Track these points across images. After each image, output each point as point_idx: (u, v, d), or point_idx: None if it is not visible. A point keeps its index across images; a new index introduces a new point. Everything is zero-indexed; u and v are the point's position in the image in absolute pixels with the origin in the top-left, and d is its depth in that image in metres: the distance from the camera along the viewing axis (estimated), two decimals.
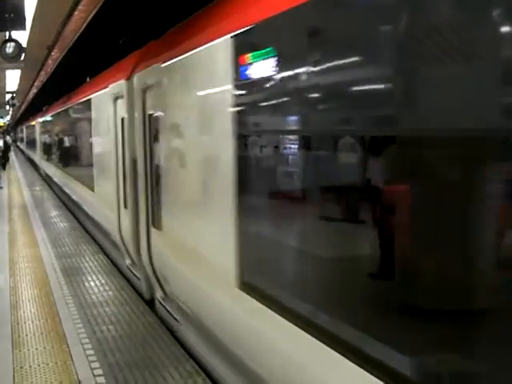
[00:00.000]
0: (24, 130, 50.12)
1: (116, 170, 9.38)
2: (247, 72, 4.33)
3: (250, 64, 4.27)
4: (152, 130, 7.31)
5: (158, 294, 7.63)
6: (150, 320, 7.36)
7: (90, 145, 12.69)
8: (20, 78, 25.97)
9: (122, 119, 8.81)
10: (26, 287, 9.04)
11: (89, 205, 13.18)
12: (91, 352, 6.38)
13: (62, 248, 11.97)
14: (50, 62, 18.83)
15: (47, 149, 25.12)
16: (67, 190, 17.48)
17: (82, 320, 7.43)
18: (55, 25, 13.11)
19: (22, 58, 11.95)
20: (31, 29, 13.29)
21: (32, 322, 7.42)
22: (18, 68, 21.57)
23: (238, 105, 4.53)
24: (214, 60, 5.04)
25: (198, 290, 5.85)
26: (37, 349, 6.51)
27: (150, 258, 7.63)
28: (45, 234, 13.55)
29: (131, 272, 9.12)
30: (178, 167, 6.32)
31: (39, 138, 28.78)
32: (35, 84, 27.76)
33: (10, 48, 11.26)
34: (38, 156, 30.42)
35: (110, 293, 8.65)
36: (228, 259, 4.76)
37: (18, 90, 31.85)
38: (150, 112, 7.32)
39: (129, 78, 8.40)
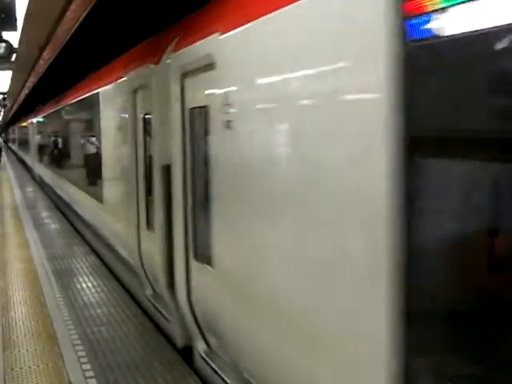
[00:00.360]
0: (16, 130, 49.94)
1: (135, 178, 7.49)
2: None
3: None
4: (197, 128, 5.54)
5: (200, 346, 5.81)
6: (141, 321, 7.33)
7: (97, 147, 10.95)
8: (11, 78, 25.87)
9: (145, 115, 7.20)
10: (17, 289, 8.99)
11: (94, 217, 11.32)
12: (83, 354, 6.35)
13: (53, 249, 11.93)
14: (41, 62, 18.75)
15: (43, 151, 23.54)
16: (66, 198, 15.82)
17: (73, 321, 7.39)
18: (47, 25, 13.05)
19: (13, 58, 11.89)
20: (22, 29, 13.23)
21: (23, 323, 7.37)
22: (9, 69, 21.48)
23: None
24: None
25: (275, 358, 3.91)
26: (28, 350, 6.47)
27: (190, 298, 5.77)
28: (36, 235, 13.50)
29: (154, 307, 7.26)
30: (244, 178, 4.29)
31: (33, 139, 27.66)
32: (27, 85, 27.67)
33: (0, 49, 11.20)
34: (31, 158, 29.06)
35: (102, 294, 8.61)
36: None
37: (9, 91, 31.75)
38: (196, 104, 5.45)
39: (158, 62, 6.47)
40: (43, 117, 24.00)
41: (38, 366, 6.06)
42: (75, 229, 14.24)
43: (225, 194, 4.66)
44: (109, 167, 9.84)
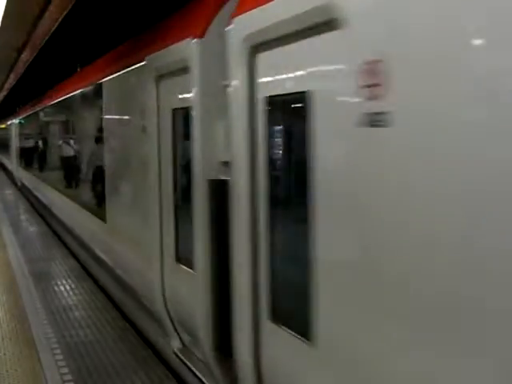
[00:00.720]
0: None
1: (158, 193, 5.76)
2: None
3: None
4: (278, 123, 3.80)
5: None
6: (120, 324, 7.31)
7: (98, 153, 8.79)
8: None
9: (176, 109, 5.44)
10: None
11: (94, 239, 9.23)
12: (60, 357, 6.32)
13: (31, 252, 11.86)
14: (20, 63, 18.63)
15: (28, 154, 21.37)
16: (56, 212, 13.75)
17: (51, 325, 7.36)
18: (25, 26, 12.98)
19: None
20: (0, 30, 13.14)
21: (0, 326, 7.32)
22: None
23: None
24: None
25: None
26: (5, 354, 6.42)
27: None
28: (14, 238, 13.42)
29: (190, 370, 5.30)
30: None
31: (16, 141, 25.55)
32: (5, 87, 27.46)
33: None
34: (14, 164, 26.68)
35: (81, 297, 8.58)
36: None
37: None
38: (277, 91, 3.64)
39: (203, 35, 4.71)
40: (26, 117, 22.61)
41: (16, 370, 6.01)
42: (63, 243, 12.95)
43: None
44: (115, 178, 7.90)
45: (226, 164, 4.33)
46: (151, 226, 5.85)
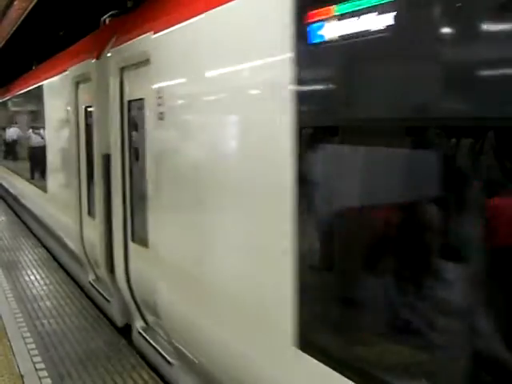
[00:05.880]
0: None
1: (77, 168, 7.95)
2: None
3: None
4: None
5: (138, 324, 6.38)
6: (92, 313, 7.37)
7: (42, 139, 11.16)
8: None
9: (87, 107, 7.68)
10: None
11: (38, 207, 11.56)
12: (33, 346, 6.36)
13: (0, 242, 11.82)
14: None
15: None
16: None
17: (22, 314, 7.38)
18: None
19: None
20: None
21: None
22: None
23: None
24: None
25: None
26: None
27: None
28: None
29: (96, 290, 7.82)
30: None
31: None
32: None
33: None
34: None
35: (51, 286, 8.61)
36: None
37: None
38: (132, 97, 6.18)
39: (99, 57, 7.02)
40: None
41: None
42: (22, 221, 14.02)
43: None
44: (52, 157, 10.04)
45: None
46: (75, 192, 7.97)
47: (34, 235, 12.31)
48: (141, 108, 5.57)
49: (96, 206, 7.00)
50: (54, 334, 6.74)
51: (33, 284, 8.78)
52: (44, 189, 10.57)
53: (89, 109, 7.38)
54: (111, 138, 6.35)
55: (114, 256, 6.57)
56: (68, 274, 9.24)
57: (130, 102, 5.91)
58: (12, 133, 16.60)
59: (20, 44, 15.50)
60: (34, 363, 5.94)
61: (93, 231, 7.22)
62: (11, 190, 15.70)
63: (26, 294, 8.23)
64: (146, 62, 5.22)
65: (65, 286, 8.61)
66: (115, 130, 6.17)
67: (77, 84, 7.75)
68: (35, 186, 11.72)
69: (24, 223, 13.70)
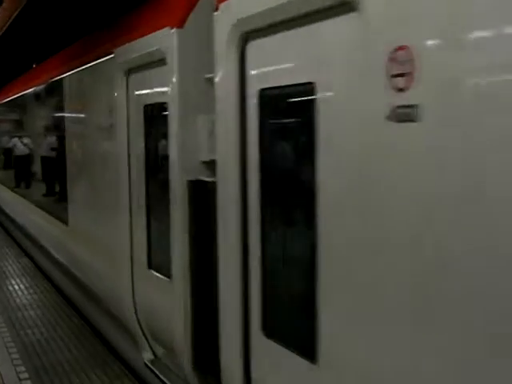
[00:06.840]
0: None
1: (128, 193, 5.53)
2: None
3: None
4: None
5: None
6: (76, 323, 7.37)
7: (59, 148, 8.37)
8: None
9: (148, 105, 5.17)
10: None
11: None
12: (16, 356, 6.36)
13: None
14: None
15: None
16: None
17: (6, 323, 7.37)
18: None
19: None
20: None
21: None
22: None
23: None
24: None
25: None
26: None
27: None
28: None
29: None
30: None
31: None
32: None
33: None
34: None
35: (35, 296, 8.59)
36: None
37: None
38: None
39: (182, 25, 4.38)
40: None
41: None
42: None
43: None
44: (78, 178, 7.43)
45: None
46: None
47: (60, 291, 8.95)
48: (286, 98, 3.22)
49: (174, 259, 4.54)
50: (38, 343, 6.74)
51: (16, 293, 8.75)
52: (65, 221, 7.92)
53: (150, 107, 5.12)
54: (220, 152, 3.72)
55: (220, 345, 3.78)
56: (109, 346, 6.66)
57: (263, 90, 3.32)
58: (21, 148, 12.84)
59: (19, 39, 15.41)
60: (18, 373, 5.94)
61: (160, 295, 4.93)
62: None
63: (9, 303, 8.21)
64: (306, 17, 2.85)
65: (49, 295, 8.60)
66: (229, 137, 3.56)
67: (128, 72, 5.41)
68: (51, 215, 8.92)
69: (39, 268, 10.44)
